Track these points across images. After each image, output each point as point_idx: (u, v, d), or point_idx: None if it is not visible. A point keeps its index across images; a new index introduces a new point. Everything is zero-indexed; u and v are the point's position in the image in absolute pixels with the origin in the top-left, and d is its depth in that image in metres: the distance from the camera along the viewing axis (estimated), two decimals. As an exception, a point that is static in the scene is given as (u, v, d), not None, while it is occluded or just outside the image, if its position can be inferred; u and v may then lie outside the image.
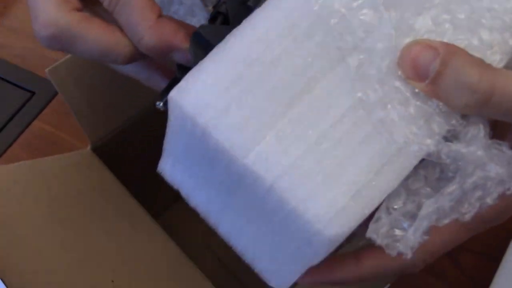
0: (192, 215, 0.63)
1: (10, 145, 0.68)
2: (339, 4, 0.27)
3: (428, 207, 0.27)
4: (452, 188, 0.27)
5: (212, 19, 0.34)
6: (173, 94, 0.28)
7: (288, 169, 0.27)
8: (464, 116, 0.27)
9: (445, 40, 0.27)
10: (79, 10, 0.33)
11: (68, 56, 0.46)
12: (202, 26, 0.31)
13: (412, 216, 0.28)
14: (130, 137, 0.52)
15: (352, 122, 0.27)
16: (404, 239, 0.27)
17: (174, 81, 0.31)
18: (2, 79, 0.74)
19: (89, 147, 0.49)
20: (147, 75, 0.36)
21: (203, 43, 0.29)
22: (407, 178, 0.27)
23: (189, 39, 0.32)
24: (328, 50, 0.27)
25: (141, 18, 0.32)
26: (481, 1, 0.28)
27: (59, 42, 0.33)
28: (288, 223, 0.27)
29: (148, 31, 0.32)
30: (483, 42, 0.27)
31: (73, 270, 0.39)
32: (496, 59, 0.27)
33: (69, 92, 0.46)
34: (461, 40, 0.27)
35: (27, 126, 0.70)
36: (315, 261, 0.28)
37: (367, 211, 0.26)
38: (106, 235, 0.44)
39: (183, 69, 0.32)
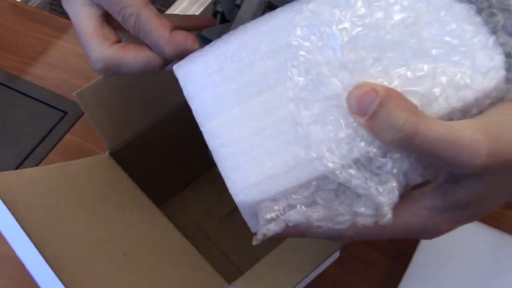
0: (187, 206, 0.66)
1: (48, 153, 0.71)
2: (309, 42, 0.28)
3: (294, 215, 0.28)
4: (317, 213, 0.28)
5: (214, 16, 0.38)
6: (174, 67, 0.31)
7: (226, 144, 0.29)
8: (389, 151, 0.27)
9: (393, 86, 0.27)
10: (117, 42, 0.38)
11: (91, 82, 0.49)
12: (205, 30, 0.35)
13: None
14: (139, 145, 0.54)
15: (288, 125, 0.28)
16: (267, 225, 0.28)
17: None
18: (42, 102, 0.77)
19: (107, 153, 0.52)
20: None
21: (208, 42, 0.33)
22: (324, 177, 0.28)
23: (197, 40, 0.36)
24: (290, 66, 0.29)
25: (157, 36, 0.36)
26: (441, 59, 0.27)
27: (109, 70, 0.38)
28: None
29: (166, 45, 0.35)
30: (429, 93, 0.27)
31: (94, 246, 0.42)
32: (435, 108, 0.27)
33: (92, 110, 0.50)
34: (406, 88, 0.27)
35: (61, 138, 0.73)
36: (248, 219, 0.31)
37: (272, 193, 0.28)
38: (120, 220, 0.47)
39: None
